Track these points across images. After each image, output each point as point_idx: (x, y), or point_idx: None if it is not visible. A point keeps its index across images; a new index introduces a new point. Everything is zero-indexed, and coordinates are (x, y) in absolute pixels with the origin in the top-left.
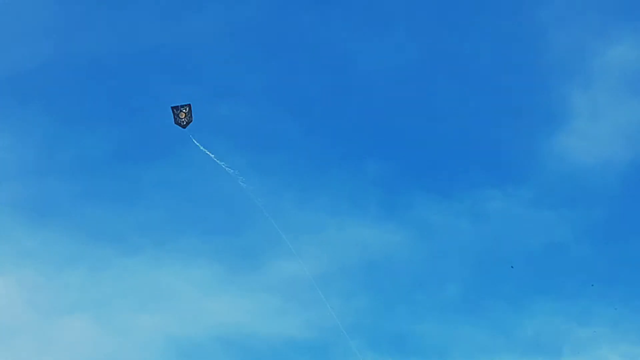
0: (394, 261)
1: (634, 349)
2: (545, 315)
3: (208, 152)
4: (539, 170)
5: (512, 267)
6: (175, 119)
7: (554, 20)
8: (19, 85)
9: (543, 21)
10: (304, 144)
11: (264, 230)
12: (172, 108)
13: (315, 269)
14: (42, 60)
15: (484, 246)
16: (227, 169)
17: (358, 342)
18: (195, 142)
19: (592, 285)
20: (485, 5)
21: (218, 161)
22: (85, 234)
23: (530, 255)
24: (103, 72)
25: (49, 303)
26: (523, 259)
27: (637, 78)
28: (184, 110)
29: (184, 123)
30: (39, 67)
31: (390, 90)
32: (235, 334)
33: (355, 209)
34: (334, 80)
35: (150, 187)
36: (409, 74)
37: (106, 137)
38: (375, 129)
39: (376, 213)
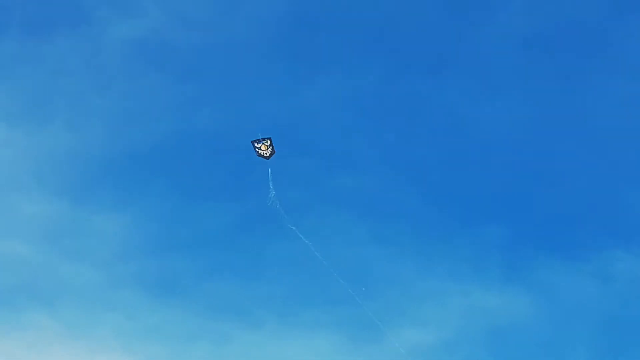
0: (519, 326)
1: None
2: None
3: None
4: None
5: None
6: (256, 152)
7: None
8: (140, 162)
9: None
10: (423, 211)
11: (385, 299)
12: (253, 142)
13: (440, 337)
14: (162, 137)
15: (613, 309)
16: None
17: None
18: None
19: None
20: (602, 64)
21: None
22: (208, 309)
23: None
24: (222, 146)
25: None
26: None
27: None
28: (264, 143)
29: (267, 154)
30: (160, 144)
31: (508, 153)
32: None
33: (478, 275)
34: (450, 147)
35: (270, 260)
36: (526, 137)
37: (226, 212)
38: (494, 193)
39: (499, 278)
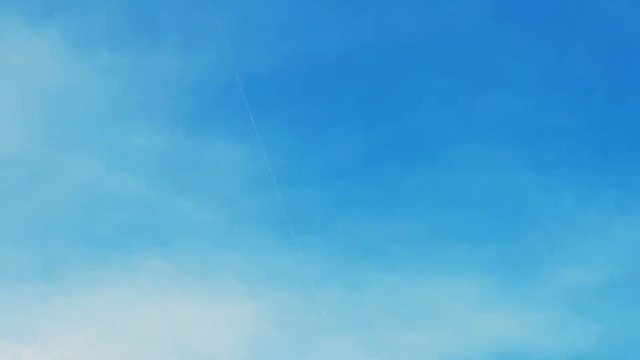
0: None
1: None
2: None
3: None
4: None
5: None
6: None
7: None
8: (260, 87)
9: None
10: (584, 134)
11: (543, 235)
12: None
13: (604, 275)
14: (284, 60)
15: None
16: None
17: None
18: None
19: None
20: None
21: None
22: (340, 249)
23: None
24: (350, 69)
25: (304, 324)
26: None
27: None
28: None
29: None
30: (282, 67)
31: None
32: (513, 350)
33: None
34: (614, 61)
35: (410, 193)
36: None
37: (358, 140)
38: None
39: None
